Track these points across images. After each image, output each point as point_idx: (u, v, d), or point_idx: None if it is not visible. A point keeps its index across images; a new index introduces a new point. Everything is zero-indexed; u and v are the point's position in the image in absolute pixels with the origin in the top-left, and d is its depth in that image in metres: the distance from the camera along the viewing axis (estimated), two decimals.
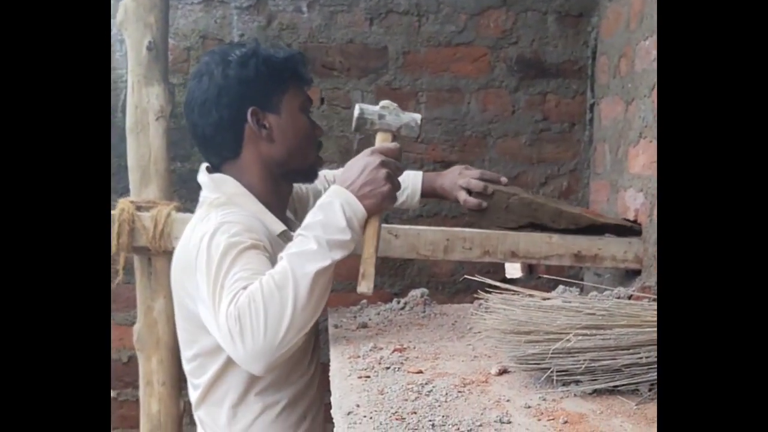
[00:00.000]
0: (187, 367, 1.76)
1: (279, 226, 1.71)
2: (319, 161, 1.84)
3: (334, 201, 1.53)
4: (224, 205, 1.67)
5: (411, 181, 2.16)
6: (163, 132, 2.14)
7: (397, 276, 2.72)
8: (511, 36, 2.67)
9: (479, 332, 1.42)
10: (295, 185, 1.91)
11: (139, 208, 2.05)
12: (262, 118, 1.71)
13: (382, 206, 1.59)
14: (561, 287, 1.89)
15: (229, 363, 1.61)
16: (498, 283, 1.41)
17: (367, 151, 1.63)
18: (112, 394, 2.62)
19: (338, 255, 1.48)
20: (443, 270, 2.75)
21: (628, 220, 2.22)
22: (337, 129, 2.69)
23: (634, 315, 1.26)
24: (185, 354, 1.74)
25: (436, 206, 2.69)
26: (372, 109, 1.72)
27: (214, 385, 1.69)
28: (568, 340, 1.23)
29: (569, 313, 1.28)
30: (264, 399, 1.69)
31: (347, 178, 1.58)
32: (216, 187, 1.72)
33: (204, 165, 1.79)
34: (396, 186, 1.60)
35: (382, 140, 1.71)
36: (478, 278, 1.42)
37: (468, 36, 2.67)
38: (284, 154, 1.74)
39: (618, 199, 2.37)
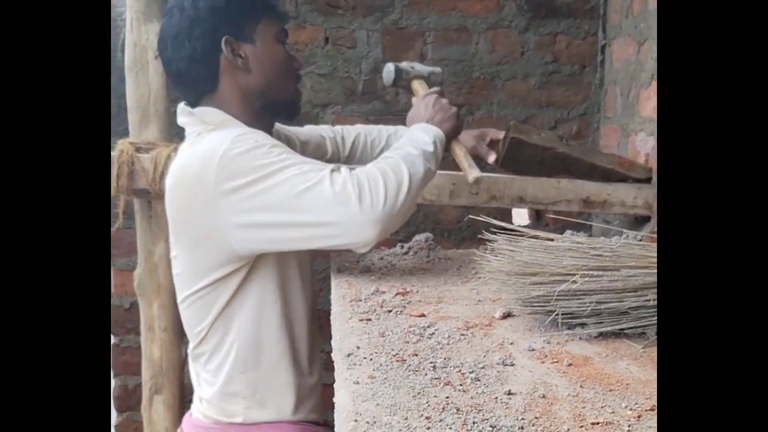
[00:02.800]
0: (191, 302, 1.65)
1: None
2: (298, 94, 1.77)
3: (413, 130, 1.63)
4: (217, 130, 1.57)
5: None
6: (162, 70, 2.08)
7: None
8: None
9: (483, 275, 1.38)
10: (281, 130, 1.86)
11: (138, 150, 2.01)
12: (237, 48, 1.64)
13: (456, 126, 1.70)
14: (568, 232, 1.85)
15: (242, 287, 1.57)
16: (503, 224, 1.37)
17: (426, 94, 1.76)
18: (114, 340, 2.61)
19: (432, 166, 1.55)
20: (449, 216, 2.70)
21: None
22: (341, 69, 2.62)
23: (642, 256, 1.22)
24: (192, 287, 1.62)
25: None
26: (402, 63, 1.85)
27: (224, 314, 1.61)
28: (574, 282, 1.19)
29: (575, 254, 1.24)
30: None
31: (415, 117, 1.71)
32: (201, 120, 1.64)
33: (181, 105, 1.70)
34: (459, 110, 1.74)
35: (419, 86, 1.82)
36: (482, 218, 1.38)
37: None
38: (262, 83, 1.66)
39: (629, 144, 2.31)
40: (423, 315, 1.40)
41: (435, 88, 1.78)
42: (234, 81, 1.65)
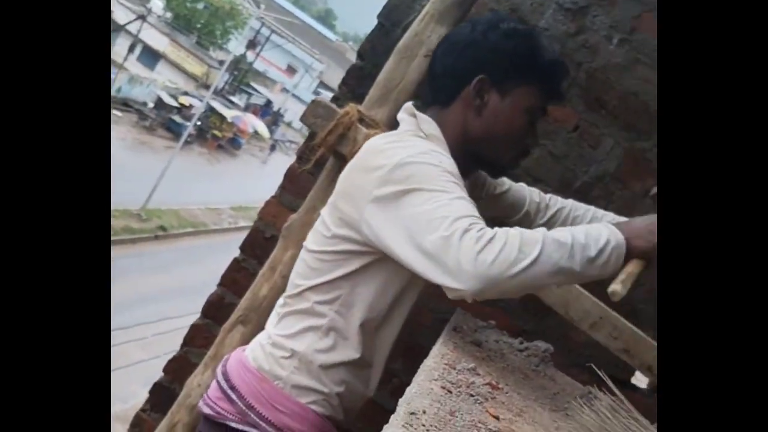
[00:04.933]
0: (310, 262, 1.71)
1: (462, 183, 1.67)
2: (512, 164, 1.80)
3: (602, 225, 1.52)
4: (423, 139, 1.66)
5: None
6: (423, 71, 2.15)
7: (537, 316, 2.64)
8: None
9: (569, 419, 1.37)
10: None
11: (361, 120, 2.09)
12: (485, 89, 1.68)
13: (647, 252, 1.52)
14: None
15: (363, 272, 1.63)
16: (615, 388, 1.35)
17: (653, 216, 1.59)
18: (238, 256, 2.73)
19: (578, 266, 1.44)
20: (579, 339, 2.66)
21: None
22: (570, 160, 2.62)
23: None
24: (324, 246, 1.68)
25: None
26: None
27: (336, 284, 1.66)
28: None
29: None
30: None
31: (623, 222, 1.60)
32: (417, 124, 1.71)
33: (408, 103, 1.78)
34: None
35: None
36: (601, 374, 1.36)
37: None
38: (482, 135, 1.70)
39: None
40: (497, 418, 1.40)
41: None
42: (463, 114, 1.70)
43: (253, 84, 43.02)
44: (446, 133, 1.70)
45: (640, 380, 2.74)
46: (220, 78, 32.60)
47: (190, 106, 33.11)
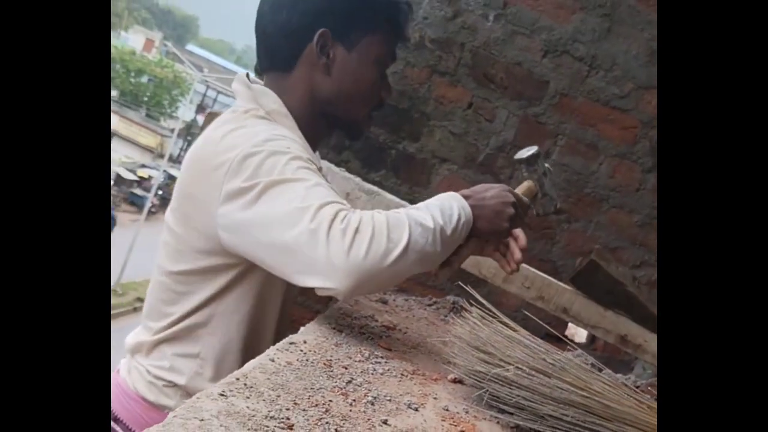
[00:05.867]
0: (169, 284, 1.58)
1: (318, 162, 1.61)
2: (367, 120, 1.68)
3: (453, 204, 1.47)
4: (264, 119, 1.54)
5: None
6: None
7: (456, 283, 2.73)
8: None
9: (445, 335, 1.49)
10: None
11: None
12: (329, 45, 1.56)
13: (489, 235, 1.55)
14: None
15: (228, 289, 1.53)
16: (483, 300, 1.47)
17: (506, 188, 1.57)
18: None
19: (440, 248, 1.41)
20: (511, 303, 2.78)
21: None
22: (472, 136, 2.77)
23: (578, 378, 1.29)
24: (185, 265, 1.55)
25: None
26: (544, 163, 1.80)
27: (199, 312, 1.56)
28: (507, 370, 1.28)
29: (525, 350, 1.33)
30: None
31: (476, 194, 1.53)
32: (254, 99, 1.57)
33: (241, 74, 1.64)
34: (509, 232, 1.58)
35: (526, 187, 1.76)
36: (469, 289, 1.49)
37: (627, 104, 2.69)
38: (334, 94, 1.59)
39: None
40: (389, 349, 1.51)
41: (522, 197, 1.62)
42: (308, 75, 1.59)
43: None
44: (291, 102, 1.59)
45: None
46: (173, 145, 32.84)
47: (149, 178, 33.29)
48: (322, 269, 1.31)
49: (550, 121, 2.73)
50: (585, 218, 2.70)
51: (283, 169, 1.38)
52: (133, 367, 1.61)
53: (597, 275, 2.13)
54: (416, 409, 1.22)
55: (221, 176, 1.41)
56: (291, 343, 1.30)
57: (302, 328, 1.43)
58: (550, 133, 2.74)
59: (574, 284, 2.21)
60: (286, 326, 1.67)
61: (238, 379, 1.03)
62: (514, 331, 1.40)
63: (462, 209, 1.47)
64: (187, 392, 1.53)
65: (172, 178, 33.27)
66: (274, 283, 1.55)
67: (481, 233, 1.53)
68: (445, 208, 1.45)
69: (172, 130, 34.84)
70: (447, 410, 1.28)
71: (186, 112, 37.14)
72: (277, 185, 1.37)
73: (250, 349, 1.56)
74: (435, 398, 1.32)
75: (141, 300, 21.58)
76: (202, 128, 2.23)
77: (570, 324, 2.75)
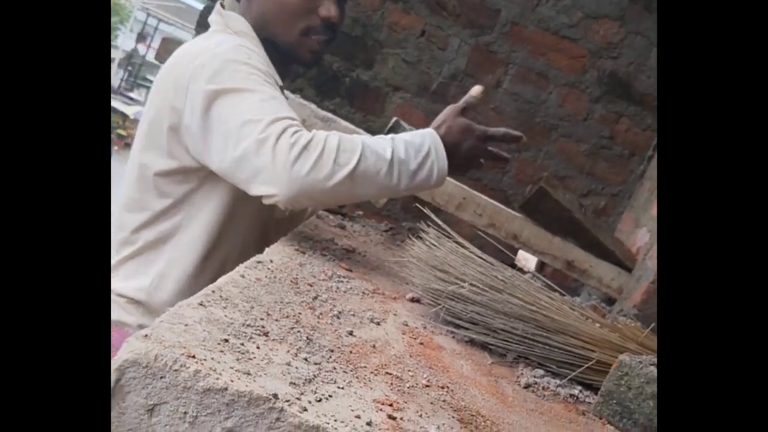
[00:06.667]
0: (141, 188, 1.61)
1: (279, 81, 1.66)
2: (307, 43, 1.68)
3: (426, 140, 1.53)
4: (231, 35, 1.62)
5: None
6: None
7: (409, 212, 2.80)
8: (614, 50, 2.73)
9: (403, 256, 1.55)
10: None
11: None
12: None
13: (457, 172, 1.66)
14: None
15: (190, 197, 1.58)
16: (439, 222, 1.53)
17: (480, 136, 1.63)
18: None
19: (398, 182, 1.48)
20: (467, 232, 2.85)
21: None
22: (425, 64, 2.81)
23: (528, 293, 1.36)
24: (165, 165, 1.58)
25: (478, 171, 2.79)
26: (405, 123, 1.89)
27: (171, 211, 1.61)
28: (462, 287, 1.35)
29: (479, 269, 1.40)
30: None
31: (451, 140, 1.59)
32: (225, 24, 1.65)
33: (217, 4, 1.72)
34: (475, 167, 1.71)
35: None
36: (426, 210, 1.54)
37: (576, 33, 2.74)
38: (259, 18, 1.66)
39: (634, 234, 2.43)
40: (350, 270, 1.57)
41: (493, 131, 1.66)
42: (245, 3, 1.69)
43: (149, 77, 42.13)
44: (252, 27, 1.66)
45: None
46: (114, 76, 32.00)
47: None
48: (266, 176, 1.38)
49: (502, 50, 2.78)
50: (535, 147, 2.77)
51: (243, 79, 1.44)
52: None
53: (545, 202, 2.21)
54: (378, 323, 1.28)
55: (187, 81, 1.48)
56: (258, 262, 1.34)
57: (267, 249, 1.47)
58: (501, 61, 2.79)
59: (523, 211, 2.29)
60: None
61: (213, 291, 1.08)
62: (468, 251, 1.46)
63: (434, 145, 1.53)
64: (147, 309, 1.59)
65: (114, 111, 32.58)
66: (242, 200, 1.59)
67: (455, 170, 1.62)
68: (415, 144, 1.50)
69: (112, 60, 33.96)
70: (407, 325, 1.35)
71: (126, 41, 36.18)
72: (233, 93, 1.43)
73: (212, 269, 1.60)
74: (395, 315, 1.38)
75: None
76: (159, 54, 2.23)
77: (519, 254, 2.85)
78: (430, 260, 1.44)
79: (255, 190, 1.41)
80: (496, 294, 1.35)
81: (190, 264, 1.60)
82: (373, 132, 2.35)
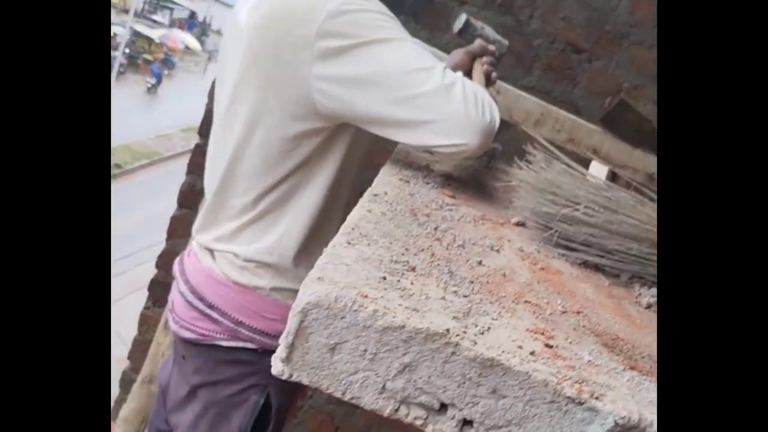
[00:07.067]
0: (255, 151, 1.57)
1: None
2: None
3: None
4: None
5: None
6: None
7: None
8: None
9: (512, 180, 1.57)
10: None
11: None
12: None
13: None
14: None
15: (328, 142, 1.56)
16: (548, 145, 1.54)
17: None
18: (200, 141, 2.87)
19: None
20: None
21: None
22: None
23: (641, 212, 1.39)
24: (254, 140, 1.55)
25: (549, 84, 2.78)
26: (476, 21, 1.89)
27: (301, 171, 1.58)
28: (577, 210, 1.38)
29: (591, 190, 1.42)
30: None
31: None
32: None
33: None
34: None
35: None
36: (531, 132, 1.56)
37: None
38: None
39: None
40: (453, 197, 1.60)
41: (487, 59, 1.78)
42: None
43: None
44: None
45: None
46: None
47: (115, 35, 32.38)
48: (459, 124, 1.40)
49: None
50: (605, 56, 2.74)
51: (382, 27, 1.40)
52: (219, 254, 1.64)
53: (626, 114, 2.21)
54: (498, 251, 1.31)
55: (311, 35, 1.39)
56: (375, 195, 1.37)
57: (375, 180, 1.50)
58: None
59: (603, 124, 2.29)
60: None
61: (353, 229, 1.11)
62: (578, 172, 1.48)
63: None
64: (276, 270, 1.60)
65: (138, 35, 32.36)
66: (354, 152, 1.61)
67: None
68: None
69: None
70: (522, 251, 1.38)
71: None
72: (384, 43, 1.39)
73: (327, 220, 1.62)
74: (509, 241, 1.42)
75: (119, 166, 21.36)
76: None
77: (591, 166, 2.85)
78: (539, 184, 1.46)
79: (439, 138, 1.43)
80: (612, 215, 1.37)
81: (314, 218, 1.60)
82: (441, 48, 2.36)
